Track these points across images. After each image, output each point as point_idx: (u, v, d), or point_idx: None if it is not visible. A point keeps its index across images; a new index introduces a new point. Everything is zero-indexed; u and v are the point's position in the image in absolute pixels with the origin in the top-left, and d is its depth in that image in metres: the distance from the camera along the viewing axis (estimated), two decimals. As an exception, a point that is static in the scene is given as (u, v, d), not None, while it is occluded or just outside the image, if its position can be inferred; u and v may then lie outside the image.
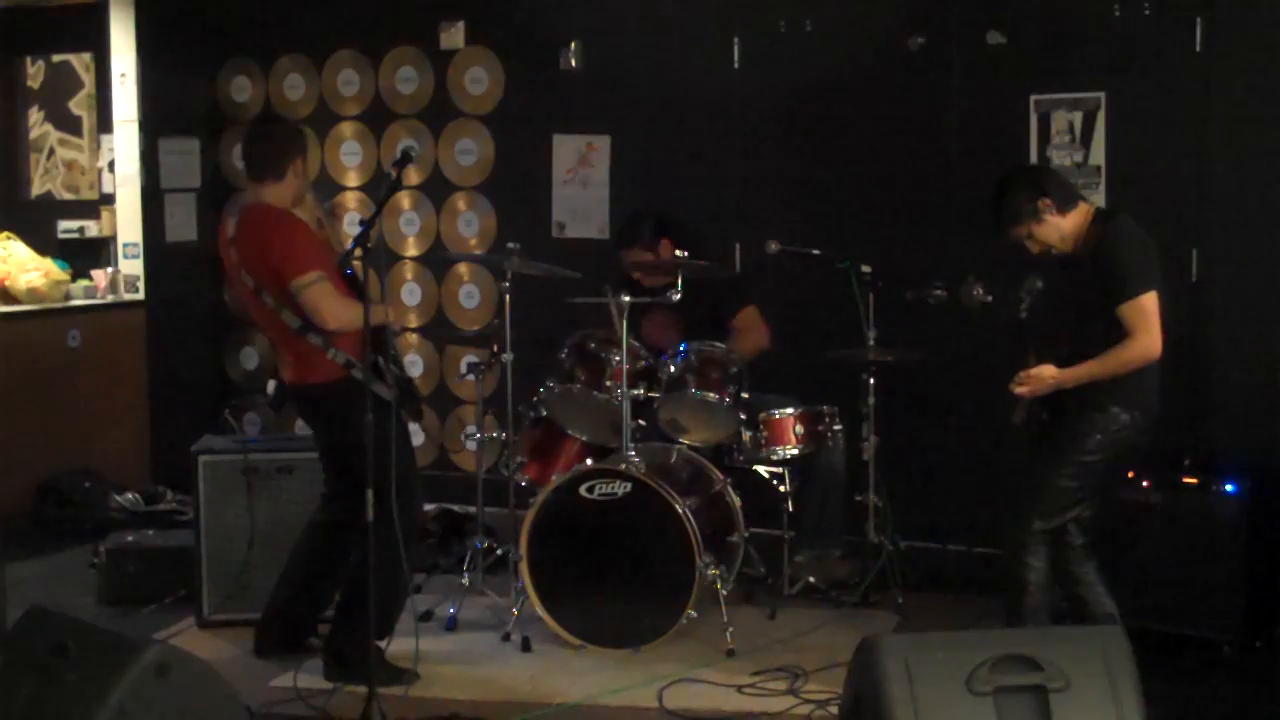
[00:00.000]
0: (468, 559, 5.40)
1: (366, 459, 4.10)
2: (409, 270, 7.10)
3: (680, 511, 4.83)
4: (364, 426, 4.09)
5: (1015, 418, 4.46)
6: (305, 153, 4.77)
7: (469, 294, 7.04)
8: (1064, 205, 4.32)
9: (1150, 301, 4.18)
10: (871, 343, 5.28)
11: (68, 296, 7.22)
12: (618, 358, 5.11)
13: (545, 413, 5.46)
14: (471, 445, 6.73)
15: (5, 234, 7.14)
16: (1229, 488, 4.74)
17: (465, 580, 5.32)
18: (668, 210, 5.83)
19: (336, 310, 4.46)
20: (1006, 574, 4.38)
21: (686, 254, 5.20)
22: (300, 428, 7.27)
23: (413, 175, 6.87)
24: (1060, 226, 4.32)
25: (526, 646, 4.92)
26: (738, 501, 5.21)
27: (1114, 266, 4.20)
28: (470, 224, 6.95)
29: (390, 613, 4.58)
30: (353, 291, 4.54)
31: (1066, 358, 4.26)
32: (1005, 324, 4.53)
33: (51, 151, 7.90)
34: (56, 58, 7.84)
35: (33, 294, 7.03)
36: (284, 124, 5.48)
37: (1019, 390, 4.31)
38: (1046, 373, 4.26)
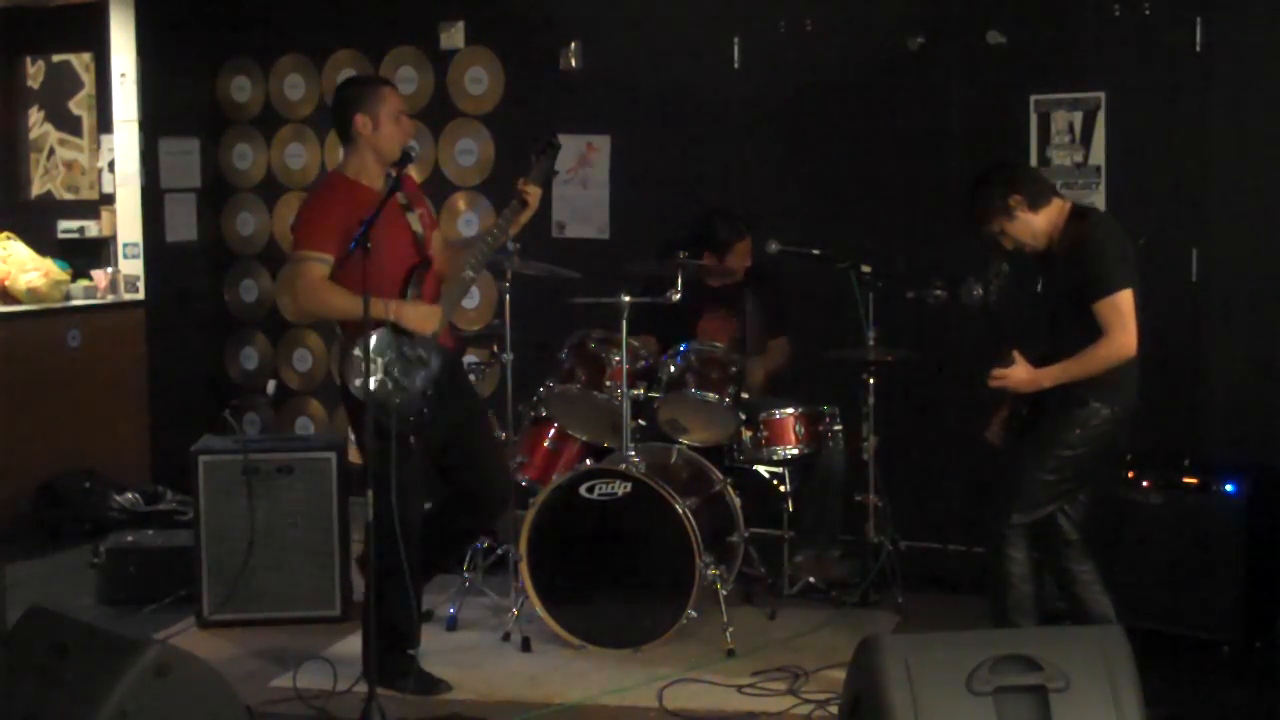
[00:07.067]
0: (468, 559, 5.40)
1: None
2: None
3: (680, 511, 4.83)
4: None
5: (990, 434, 4.49)
6: (366, 106, 4.38)
7: (469, 294, 7.01)
8: (1036, 202, 4.30)
9: (1126, 299, 4.15)
10: (871, 343, 5.28)
11: (68, 296, 7.20)
12: (618, 358, 5.11)
13: (545, 413, 5.46)
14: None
15: (5, 234, 7.13)
16: (1229, 488, 4.74)
17: (465, 580, 5.32)
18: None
19: (300, 295, 4.40)
20: (989, 569, 4.38)
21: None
22: (300, 427, 7.30)
23: (413, 175, 6.85)
24: (1032, 223, 4.31)
25: (526, 646, 4.92)
26: (738, 501, 5.21)
27: (1091, 263, 4.18)
28: (470, 224, 6.94)
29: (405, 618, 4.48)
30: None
31: (1042, 355, 4.25)
32: (973, 311, 4.54)
33: (51, 151, 7.89)
34: (56, 58, 7.83)
35: (33, 294, 7.01)
36: (349, 82, 4.97)
37: (995, 384, 4.30)
38: (1023, 374, 4.25)
